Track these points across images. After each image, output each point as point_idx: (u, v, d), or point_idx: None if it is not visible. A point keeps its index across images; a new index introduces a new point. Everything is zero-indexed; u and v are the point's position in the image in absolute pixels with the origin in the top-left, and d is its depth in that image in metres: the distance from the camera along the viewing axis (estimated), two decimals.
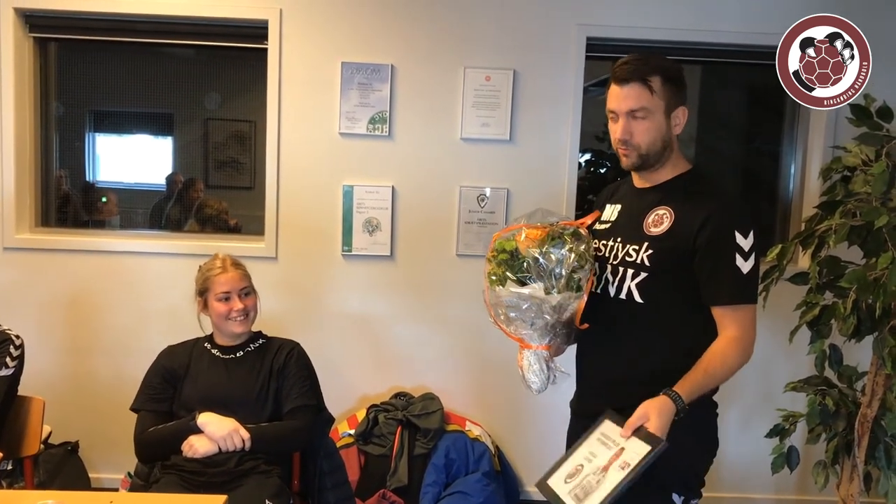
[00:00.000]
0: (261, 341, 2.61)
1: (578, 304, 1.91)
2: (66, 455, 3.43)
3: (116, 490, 3.33)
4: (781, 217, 3.92)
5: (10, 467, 2.70)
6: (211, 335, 2.62)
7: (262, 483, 2.36)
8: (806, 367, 3.45)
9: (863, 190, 2.68)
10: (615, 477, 1.72)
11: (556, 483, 1.87)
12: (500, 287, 1.91)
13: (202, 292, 2.56)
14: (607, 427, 1.87)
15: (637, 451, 1.73)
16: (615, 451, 1.78)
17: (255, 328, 2.63)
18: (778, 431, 2.99)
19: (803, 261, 3.30)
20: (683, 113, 1.91)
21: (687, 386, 1.79)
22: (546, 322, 1.90)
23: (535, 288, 1.86)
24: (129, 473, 3.02)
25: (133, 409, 2.50)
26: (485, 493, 3.30)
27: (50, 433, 3.34)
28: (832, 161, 2.93)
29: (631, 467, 1.70)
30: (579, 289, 1.89)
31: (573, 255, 1.86)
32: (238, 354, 2.56)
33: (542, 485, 1.89)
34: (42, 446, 3.25)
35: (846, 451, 2.86)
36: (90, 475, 3.56)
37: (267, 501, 2.29)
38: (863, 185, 2.69)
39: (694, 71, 4.03)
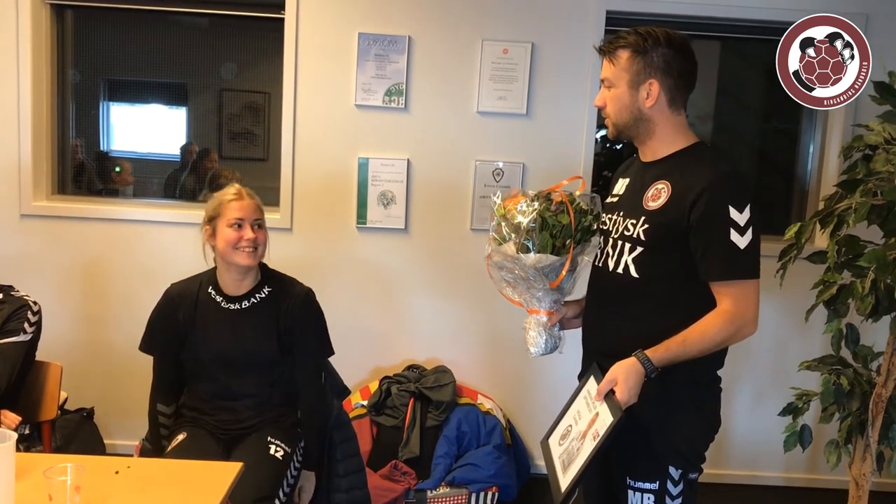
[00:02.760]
0: (267, 290, 2.49)
1: (563, 268, 1.95)
2: (82, 421, 3.47)
3: (131, 456, 3.36)
4: (799, 196, 3.89)
5: (27, 431, 2.73)
6: (214, 277, 2.50)
7: (271, 429, 2.44)
8: (819, 347, 3.45)
9: (885, 168, 2.65)
10: (587, 447, 1.75)
11: (553, 444, 1.93)
12: (487, 247, 2.03)
13: (212, 218, 2.42)
14: (591, 385, 1.90)
15: (605, 420, 1.75)
16: (592, 415, 1.81)
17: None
18: (791, 410, 2.98)
19: (821, 240, 3.27)
20: (654, 86, 1.90)
21: (661, 351, 1.80)
22: (533, 284, 1.98)
23: (509, 245, 1.95)
24: (143, 439, 3.05)
25: (143, 349, 2.50)
26: (496, 466, 3.32)
27: (66, 399, 3.38)
28: (853, 139, 2.89)
29: (599, 438, 1.73)
30: (559, 252, 1.94)
31: (530, 210, 1.94)
32: (244, 305, 2.46)
33: (544, 444, 1.97)
34: (59, 412, 3.28)
35: (859, 431, 2.85)
36: (105, 441, 3.60)
37: (269, 438, 2.38)
38: (885, 163, 2.66)
39: (713, 47, 3.98)
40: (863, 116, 3.32)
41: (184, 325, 2.45)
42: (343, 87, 3.59)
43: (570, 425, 1.89)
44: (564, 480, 1.78)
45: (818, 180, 3.76)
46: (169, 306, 2.48)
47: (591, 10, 3.56)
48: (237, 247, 2.37)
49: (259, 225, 2.42)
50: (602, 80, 1.98)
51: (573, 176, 2.17)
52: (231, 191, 2.44)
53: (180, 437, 2.42)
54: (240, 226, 2.38)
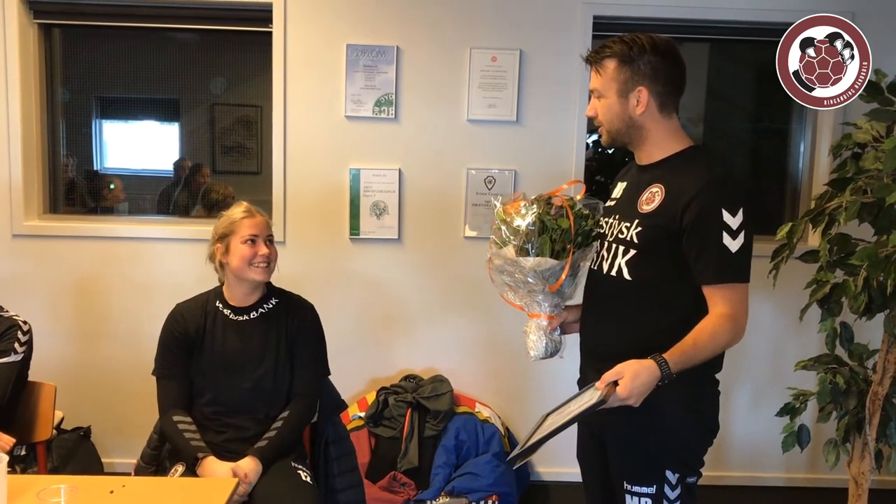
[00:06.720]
0: (274, 301, 2.54)
1: (563, 272, 1.96)
2: (79, 440, 3.46)
3: (129, 474, 3.34)
4: (791, 196, 3.90)
5: (23, 453, 2.72)
6: (221, 292, 2.54)
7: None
8: (815, 346, 3.45)
9: (874, 166, 2.66)
10: (559, 422, 1.76)
11: (549, 418, 1.92)
12: (488, 251, 2.05)
13: (224, 236, 2.45)
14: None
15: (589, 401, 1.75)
16: (588, 398, 1.80)
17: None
18: (788, 410, 2.98)
19: (813, 239, 3.28)
20: (643, 93, 1.91)
21: (676, 354, 1.78)
22: (533, 288, 1.99)
23: (508, 249, 1.97)
24: (140, 458, 3.04)
25: (158, 374, 2.48)
26: (495, 474, 3.31)
27: (62, 419, 3.36)
28: (842, 138, 2.90)
29: (570, 415, 1.74)
30: (558, 256, 1.95)
31: (529, 213, 1.96)
32: (252, 315, 2.49)
33: (542, 417, 1.96)
34: (54, 432, 3.27)
35: (857, 430, 2.85)
36: (103, 460, 3.59)
37: (293, 464, 2.38)
38: (874, 161, 2.66)
39: (702, 49, 3.99)
40: (851, 115, 3.33)
41: (195, 338, 2.47)
42: (332, 98, 3.60)
43: (570, 406, 1.88)
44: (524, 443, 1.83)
45: (809, 179, 3.77)
46: (178, 323, 2.50)
47: (579, 15, 3.57)
48: (252, 263, 2.42)
49: (270, 241, 2.49)
50: (591, 91, 1.98)
51: (573, 180, 2.18)
52: (241, 209, 2.49)
53: (180, 467, 2.39)
54: (254, 242, 2.43)
